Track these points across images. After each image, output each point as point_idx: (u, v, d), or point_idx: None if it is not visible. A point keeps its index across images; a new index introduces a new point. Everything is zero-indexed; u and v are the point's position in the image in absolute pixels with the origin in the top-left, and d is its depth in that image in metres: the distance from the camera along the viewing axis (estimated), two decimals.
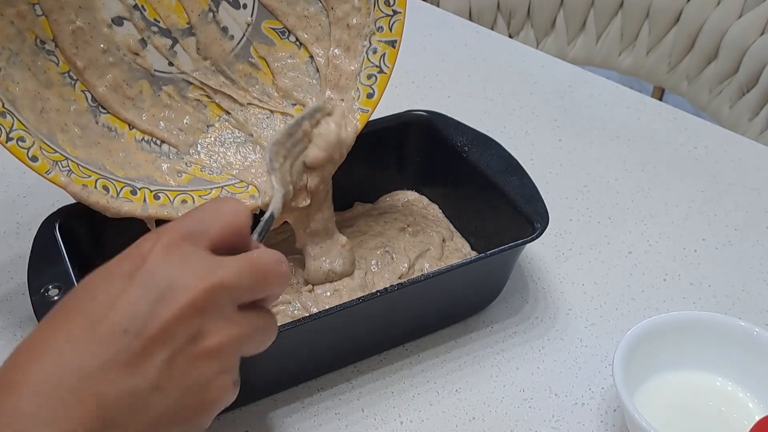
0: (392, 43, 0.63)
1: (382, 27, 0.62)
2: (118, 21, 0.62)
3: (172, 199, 0.61)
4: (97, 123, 0.62)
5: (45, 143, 0.59)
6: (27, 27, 0.59)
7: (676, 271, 0.71)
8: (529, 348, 0.64)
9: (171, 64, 0.64)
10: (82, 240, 0.63)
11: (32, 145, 0.58)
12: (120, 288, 0.38)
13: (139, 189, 0.61)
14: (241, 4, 0.64)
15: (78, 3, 0.60)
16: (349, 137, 0.62)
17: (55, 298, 0.57)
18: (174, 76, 0.64)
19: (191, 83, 0.65)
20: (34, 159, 0.58)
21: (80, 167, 0.60)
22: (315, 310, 0.62)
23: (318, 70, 0.65)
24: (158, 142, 0.64)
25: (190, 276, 0.39)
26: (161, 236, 0.40)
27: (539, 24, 1.25)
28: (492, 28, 1.24)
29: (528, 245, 0.62)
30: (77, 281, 0.58)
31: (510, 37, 1.25)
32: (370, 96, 0.63)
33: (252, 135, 0.65)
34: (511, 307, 0.67)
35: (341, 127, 0.61)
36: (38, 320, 0.55)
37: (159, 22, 0.63)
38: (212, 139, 0.65)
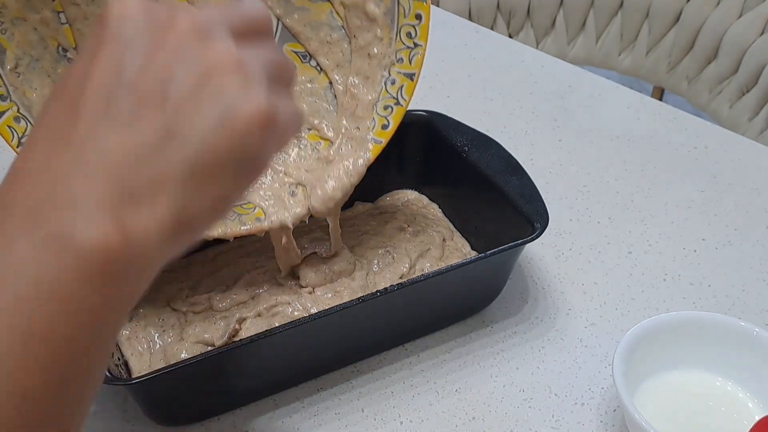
0: (411, 76, 0.62)
1: (402, 59, 0.62)
2: None
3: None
4: None
5: None
6: (50, 34, 0.59)
7: (676, 271, 0.71)
8: (529, 348, 0.64)
9: None
10: None
11: None
12: (87, 63, 0.34)
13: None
14: None
15: None
16: (359, 175, 0.62)
17: None
18: None
19: None
20: None
21: None
22: (315, 311, 0.62)
23: (336, 97, 0.64)
24: None
25: (165, 13, 0.34)
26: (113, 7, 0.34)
27: (539, 24, 1.25)
28: (492, 28, 1.24)
29: (528, 245, 0.62)
30: None
31: (510, 37, 1.25)
32: (384, 127, 0.63)
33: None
34: (511, 307, 0.67)
35: (349, 175, 0.62)
36: None
37: None
38: None
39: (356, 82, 0.63)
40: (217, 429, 0.58)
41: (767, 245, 0.74)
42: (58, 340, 0.32)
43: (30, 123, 0.58)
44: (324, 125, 0.64)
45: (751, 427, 0.53)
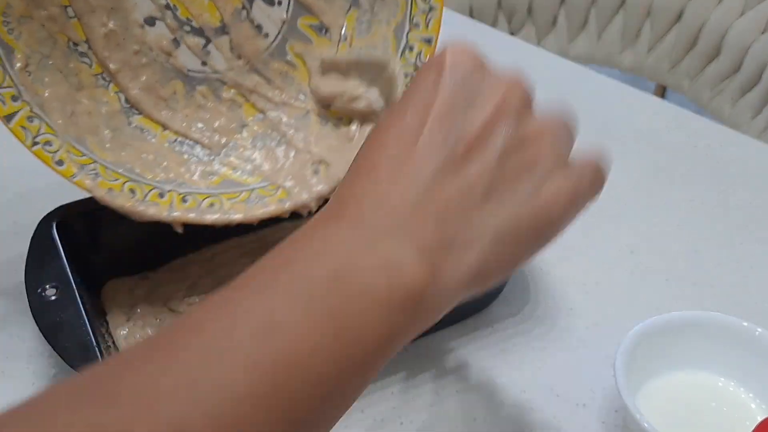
0: (429, 41, 0.61)
1: (418, 23, 0.61)
2: (150, 21, 0.61)
3: (200, 202, 0.60)
4: (129, 125, 0.61)
5: (73, 146, 0.58)
6: (59, 30, 0.58)
7: (678, 270, 0.71)
8: (530, 348, 0.64)
9: (204, 63, 0.63)
10: (80, 239, 0.63)
11: (59, 149, 0.57)
12: (427, 96, 0.37)
13: (167, 192, 0.60)
14: (276, 1, 0.63)
15: (110, 5, 0.60)
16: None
17: (53, 298, 0.56)
18: (208, 76, 0.63)
19: (225, 83, 0.63)
20: (60, 163, 0.57)
21: (108, 170, 0.59)
22: None
23: None
24: (191, 143, 0.63)
25: (497, 73, 0.38)
26: (449, 48, 0.39)
27: (540, 22, 1.25)
28: (493, 26, 1.23)
29: None
30: (75, 281, 0.58)
31: (511, 34, 1.24)
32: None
33: (285, 136, 0.64)
34: (512, 307, 0.67)
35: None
36: (36, 321, 0.55)
37: (191, 21, 0.62)
38: (246, 139, 0.64)
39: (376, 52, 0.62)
40: None
41: None
42: (344, 364, 0.33)
43: (44, 121, 0.57)
44: None
45: (753, 428, 0.52)
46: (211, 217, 0.60)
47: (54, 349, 0.54)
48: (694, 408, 0.58)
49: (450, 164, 0.35)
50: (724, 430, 0.57)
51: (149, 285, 0.65)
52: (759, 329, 0.58)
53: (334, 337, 0.32)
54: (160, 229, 0.66)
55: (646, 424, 0.52)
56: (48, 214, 0.62)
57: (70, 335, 0.54)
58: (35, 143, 0.57)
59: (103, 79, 0.61)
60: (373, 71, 0.61)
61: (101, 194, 0.58)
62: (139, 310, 0.63)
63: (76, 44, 0.59)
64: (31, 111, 0.57)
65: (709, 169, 0.82)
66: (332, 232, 0.35)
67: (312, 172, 0.62)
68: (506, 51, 1.00)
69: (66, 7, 0.58)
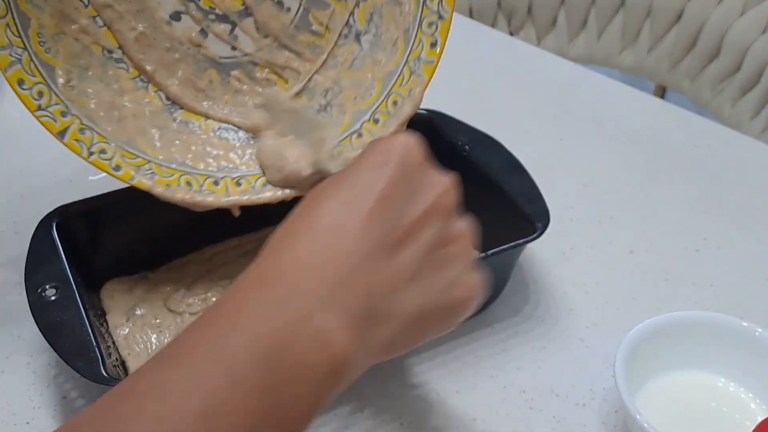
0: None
1: None
2: (176, 16, 0.62)
3: (253, 183, 0.61)
4: (174, 121, 0.62)
5: (126, 150, 0.59)
6: (92, 40, 0.59)
7: (677, 270, 0.71)
8: (530, 348, 0.64)
9: (234, 48, 0.63)
10: (79, 240, 0.63)
11: (114, 155, 0.59)
12: (374, 178, 0.39)
13: (221, 179, 0.61)
14: None
15: (135, 8, 0.60)
16: (416, 104, 0.62)
17: (53, 298, 0.56)
18: (239, 60, 0.64)
19: (257, 63, 0.64)
20: (117, 168, 0.58)
21: (162, 167, 0.60)
22: None
23: (377, 27, 0.64)
24: (234, 128, 0.64)
25: (436, 174, 0.42)
26: (400, 138, 0.42)
27: (540, 22, 1.25)
28: (493, 27, 1.24)
29: (529, 245, 0.62)
30: (75, 281, 0.58)
31: (511, 35, 1.24)
32: (433, 45, 0.62)
33: (321, 104, 0.64)
34: (512, 307, 0.67)
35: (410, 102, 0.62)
36: (36, 321, 0.55)
37: (215, 9, 0.62)
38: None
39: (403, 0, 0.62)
40: None
41: None
42: (280, 419, 0.35)
43: (94, 131, 0.58)
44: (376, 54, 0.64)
45: (753, 427, 0.52)
46: (266, 195, 0.61)
47: (54, 349, 0.54)
48: (693, 408, 0.58)
49: (385, 247, 0.38)
50: (724, 430, 0.57)
51: (149, 285, 0.65)
52: (759, 329, 0.58)
53: (267, 414, 0.34)
54: (159, 229, 0.66)
55: (645, 424, 0.52)
56: (48, 215, 0.62)
57: (70, 335, 0.54)
58: (91, 153, 0.58)
59: (142, 80, 0.62)
60: (307, 127, 0.62)
61: (161, 191, 0.59)
62: (138, 310, 0.63)
63: (110, 52, 0.60)
64: (81, 123, 0.58)
65: (709, 170, 0.82)
66: (269, 296, 0.36)
67: (357, 135, 0.63)
68: (506, 51, 1.01)
69: (95, 17, 0.59)
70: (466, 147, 0.70)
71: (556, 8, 1.24)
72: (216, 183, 0.61)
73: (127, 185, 0.59)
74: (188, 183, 0.60)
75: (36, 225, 0.62)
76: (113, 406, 0.34)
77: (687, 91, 1.20)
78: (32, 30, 0.57)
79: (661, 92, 1.25)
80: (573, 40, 1.26)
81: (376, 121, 0.62)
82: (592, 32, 1.24)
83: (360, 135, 0.62)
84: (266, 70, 0.64)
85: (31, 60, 0.57)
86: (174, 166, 0.60)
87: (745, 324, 0.59)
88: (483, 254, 0.62)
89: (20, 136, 0.82)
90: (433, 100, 0.90)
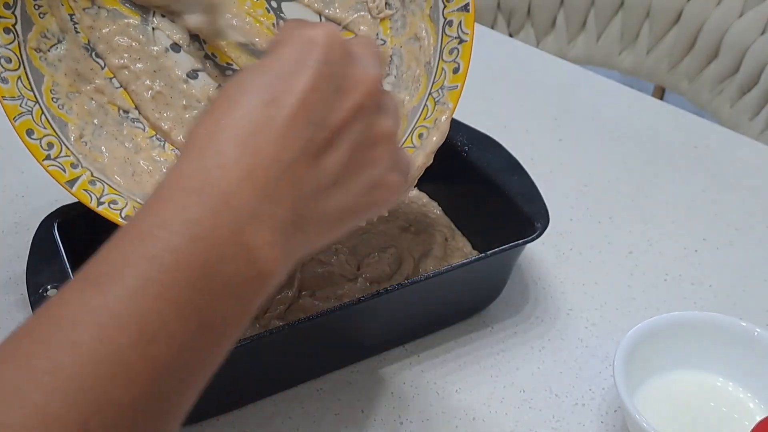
0: (465, 8, 0.59)
1: None
2: (193, 74, 0.62)
3: None
4: None
5: (139, 203, 0.58)
6: (107, 100, 0.60)
7: (676, 271, 0.71)
8: (530, 348, 0.64)
9: None
10: (80, 240, 0.63)
11: (125, 206, 0.58)
12: (297, 74, 0.37)
13: None
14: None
15: (151, 68, 0.61)
16: (443, 134, 0.60)
17: None
18: None
19: None
20: (128, 218, 0.57)
21: None
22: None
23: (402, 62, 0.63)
24: None
25: (363, 69, 0.39)
26: (322, 29, 0.39)
27: (539, 23, 1.25)
28: (492, 28, 1.24)
29: (528, 245, 0.62)
30: None
31: (510, 36, 1.24)
32: (455, 71, 0.60)
33: None
34: (512, 307, 0.67)
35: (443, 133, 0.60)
36: None
37: (232, 64, 0.62)
38: None
39: (422, 35, 0.61)
40: (216, 429, 0.58)
41: None
42: (203, 322, 0.35)
43: (105, 183, 0.58)
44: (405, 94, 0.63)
45: (752, 427, 0.53)
46: None
47: None
48: (692, 407, 0.58)
49: (309, 153, 0.37)
50: (723, 430, 0.57)
51: None
52: (757, 329, 0.58)
53: (200, 331, 0.34)
54: None
55: (645, 424, 0.52)
56: (49, 215, 0.62)
57: None
58: (100, 203, 0.57)
59: (158, 139, 0.61)
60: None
61: None
62: None
63: (126, 111, 0.60)
64: (92, 175, 0.58)
65: (708, 170, 0.82)
66: (198, 210, 0.35)
67: None
68: (505, 52, 1.01)
69: (111, 78, 0.60)
70: (466, 147, 0.70)
71: (555, 9, 1.24)
72: None
73: None
74: None
75: (37, 225, 0.62)
76: (44, 335, 0.33)
77: (686, 91, 1.20)
78: (45, 86, 0.57)
79: (660, 93, 1.25)
80: (572, 41, 1.26)
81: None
82: (592, 33, 1.24)
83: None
84: None
85: (43, 113, 0.56)
86: None
87: (744, 324, 0.59)
88: (483, 254, 0.62)
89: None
90: None
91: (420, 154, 0.58)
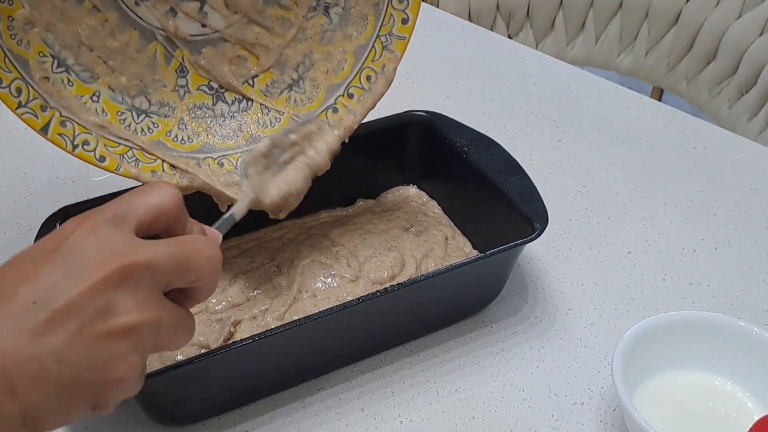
0: (405, 20, 0.62)
1: None
2: None
3: (235, 163, 0.61)
4: (150, 103, 0.63)
5: (108, 139, 0.60)
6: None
7: (675, 271, 0.71)
8: (529, 348, 0.64)
9: (204, 25, 0.64)
10: None
11: (97, 146, 0.59)
12: (36, 264, 0.39)
13: (203, 160, 0.61)
14: None
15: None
16: (388, 81, 0.63)
17: None
18: (210, 37, 0.64)
19: (228, 40, 0.64)
20: (102, 159, 0.59)
21: (145, 153, 0.61)
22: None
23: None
24: (209, 104, 0.64)
25: (106, 254, 0.40)
26: (86, 220, 0.41)
27: (538, 25, 1.26)
28: (491, 29, 1.24)
29: (527, 245, 0.62)
30: None
31: (509, 37, 1.25)
32: (404, 21, 0.62)
33: (293, 78, 0.65)
34: (511, 307, 0.67)
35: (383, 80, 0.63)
36: None
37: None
38: (258, 90, 0.65)
39: None
40: (217, 429, 0.58)
41: (766, 245, 0.74)
42: None
43: (75, 123, 0.59)
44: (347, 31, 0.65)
45: (750, 426, 0.53)
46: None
47: None
48: (691, 407, 0.58)
49: (28, 325, 0.38)
50: (722, 429, 0.57)
51: None
52: (756, 329, 0.58)
53: None
54: None
55: (643, 423, 0.52)
56: (51, 216, 0.63)
57: None
58: (75, 146, 0.59)
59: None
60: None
61: (148, 178, 0.60)
62: None
63: (81, 43, 0.60)
64: (61, 115, 0.58)
65: (706, 171, 0.82)
66: None
67: (332, 110, 0.63)
68: (504, 54, 1.01)
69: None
70: (466, 148, 0.70)
71: (554, 11, 1.24)
72: (198, 164, 0.61)
73: (127, 186, 0.59)
74: (172, 166, 0.61)
75: (39, 226, 0.62)
76: None
77: (684, 93, 1.21)
78: (3, 24, 0.57)
79: (659, 95, 1.25)
80: (571, 42, 1.26)
81: (350, 96, 0.63)
82: (590, 35, 1.25)
83: (336, 110, 0.63)
84: (237, 46, 0.64)
85: (6, 56, 0.57)
86: (157, 151, 0.61)
87: (742, 323, 0.59)
88: (482, 254, 0.62)
89: (22, 138, 0.82)
90: (433, 102, 0.90)
91: (368, 98, 0.62)
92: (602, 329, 0.66)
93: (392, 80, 0.63)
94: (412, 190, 0.75)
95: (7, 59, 0.57)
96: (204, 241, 0.44)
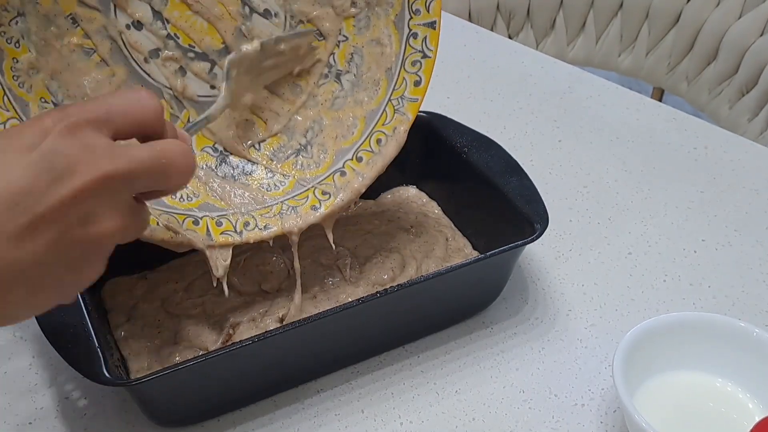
0: (432, 25, 0.61)
1: (419, 10, 0.61)
2: (154, 54, 0.61)
3: (234, 224, 0.60)
4: None
5: None
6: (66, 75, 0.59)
7: (675, 271, 0.71)
8: (529, 349, 0.64)
9: (213, 87, 0.62)
10: None
11: None
12: (16, 160, 0.39)
13: (200, 218, 0.60)
14: (273, 13, 0.62)
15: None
16: (399, 144, 0.62)
17: None
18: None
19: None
20: None
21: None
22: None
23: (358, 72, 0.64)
24: (212, 165, 0.63)
25: (89, 160, 0.40)
26: (66, 116, 0.40)
27: (539, 25, 1.26)
28: (491, 29, 1.24)
29: (528, 246, 0.62)
30: None
31: (509, 38, 1.25)
32: (417, 84, 0.62)
33: (301, 144, 0.64)
34: (511, 308, 0.67)
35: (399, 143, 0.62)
36: (37, 320, 0.56)
37: (194, 47, 0.61)
38: (264, 155, 0.64)
39: (385, 41, 0.62)
40: (216, 430, 0.58)
41: (767, 246, 0.74)
42: None
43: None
44: (363, 97, 0.64)
45: (751, 427, 0.53)
46: (250, 236, 0.60)
47: (55, 349, 0.54)
48: (691, 408, 0.58)
49: (9, 229, 0.39)
50: (722, 430, 0.57)
51: (148, 285, 0.65)
52: (756, 330, 0.58)
53: None
54: None
55: (644, 424, 0.52)
56: None
57: (72, 336, 0.55)
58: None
59: None
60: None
61: (148, 234, 0.58)
62: (138, 310, 0.63)
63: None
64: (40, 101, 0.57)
65: (707, 171, 0.82)
66: None
67: (339, 173, 0.62)
68: (505, 54, 1.01)
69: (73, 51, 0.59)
70: (466, 148, 0.70)
71: (554, 11, 1.24)
72: (195, 222, 0.59)
73: None
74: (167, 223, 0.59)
75: None
76: None
77: (685, 93, 1.21)
78: (6, 64, 0.56)
79: (659, 95, 1.25)
80: (572, 42, 1.26)
81: (359, 160, 0.62)
82: (591, 35, 1.25)
83: (343, 173, 0.62)
84: (245, 110, 0.63)
85: (5, 94, 0.56)
86: (154, 205, 0.59)
87: (743, 324, 0.59)
88: (483, 255, 0.62)
89: None
90: (433, 103, 0.90)
91: (378, 161, 0.61)
92: (603, 330, 0.66)
93: (403, 142, 0.62)
94: (412, 191, 0.75)
95: (6, 98, 0.56)
96: (180, 152, 0.44)
